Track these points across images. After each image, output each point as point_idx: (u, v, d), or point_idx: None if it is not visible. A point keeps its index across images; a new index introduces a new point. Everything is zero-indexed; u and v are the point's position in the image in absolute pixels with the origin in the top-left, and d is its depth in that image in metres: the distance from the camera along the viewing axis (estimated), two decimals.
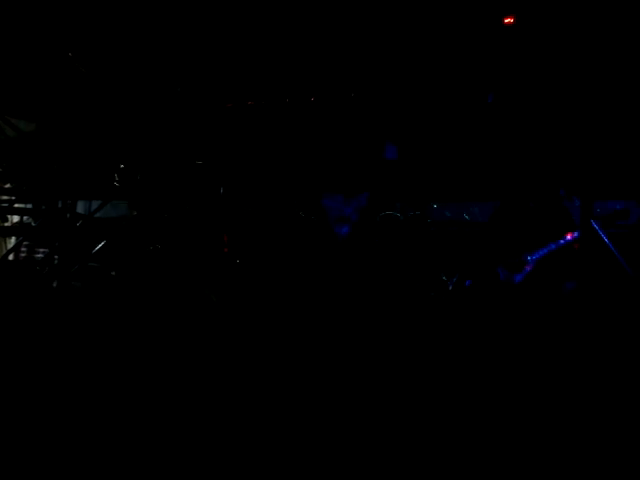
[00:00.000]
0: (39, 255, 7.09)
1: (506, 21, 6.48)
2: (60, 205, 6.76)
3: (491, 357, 4.95)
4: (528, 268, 6.12)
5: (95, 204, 7.10)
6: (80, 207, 7.17)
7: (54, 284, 6.56)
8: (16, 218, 7.62)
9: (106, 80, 6.94)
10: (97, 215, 6.99)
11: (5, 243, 7.58)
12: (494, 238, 6.45)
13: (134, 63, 6.97)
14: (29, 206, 7.08)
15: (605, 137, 6.95)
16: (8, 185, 7.20)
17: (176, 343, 5.15)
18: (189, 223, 7.08)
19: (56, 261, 6.68)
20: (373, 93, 7.33)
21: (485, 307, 6.16)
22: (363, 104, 7.39)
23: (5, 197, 7.15)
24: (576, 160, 6.77)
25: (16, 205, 7.07)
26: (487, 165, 7.34)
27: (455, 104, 7.34)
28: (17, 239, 7.29)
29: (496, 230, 6.47)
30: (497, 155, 7.27)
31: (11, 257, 7.04)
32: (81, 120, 6.96)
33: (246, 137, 7.55)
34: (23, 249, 7.09)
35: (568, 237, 6.07)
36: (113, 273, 6.89)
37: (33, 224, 7.22)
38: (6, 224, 7.44)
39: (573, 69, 6.67)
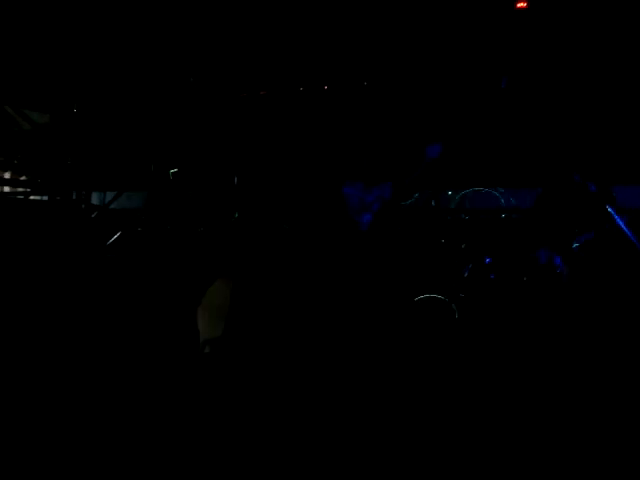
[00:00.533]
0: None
1: (519, 5, 6.42)
2: (75, 196, 6.79)
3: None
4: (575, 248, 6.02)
5: (110, 195, 7.11)
6: (95, 198, 7.18)
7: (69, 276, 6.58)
8: None
9: (119, 72, 6.95)
10: (112, 206, 7.01)
11: None
12: (538, 223, 6.37)
13: (147, 54, 6.96)
14: (44, 198, 7.10)
15: (621, 123, 6.89)
16: (23, 177, 7.24)
17: (182, 339, 5.16)
18: (204, 213, 7.08)
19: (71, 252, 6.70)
20: (388, 81, 7.29)
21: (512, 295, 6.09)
22: (377, 92, 7.36)
23: (21, 189, 7.19)
24: (592, 145, 6.72)
25: (31, 197, 7.10)
26: (509, 151, 7.30)
27: (471, 91, 7.30)
28: None
29: (541, 215, 6.38)
30: (523, 141, 7.22)
31: None
32: (95, 111, 6.98)
33: (260, 126, 7.54)
34: None
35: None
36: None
37: None
38: None
39: (590, 56, 6.61)
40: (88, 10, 6.73)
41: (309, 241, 6.79)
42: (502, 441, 3.30)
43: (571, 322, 5.49)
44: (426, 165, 7.11)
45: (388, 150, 7.51)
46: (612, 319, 5.25)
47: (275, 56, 7.23)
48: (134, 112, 7.06)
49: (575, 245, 5.99)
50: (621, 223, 5.70)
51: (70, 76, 6.85)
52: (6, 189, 7.23)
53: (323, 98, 7.38)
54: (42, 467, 2.97)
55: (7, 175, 7.24)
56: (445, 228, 7.07)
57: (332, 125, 7.58)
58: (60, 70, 6.86)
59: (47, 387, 4.08)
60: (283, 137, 7.57)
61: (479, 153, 7.46)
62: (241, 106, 7.39)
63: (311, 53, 7.21)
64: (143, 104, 7.03)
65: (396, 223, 6.87)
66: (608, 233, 5.79)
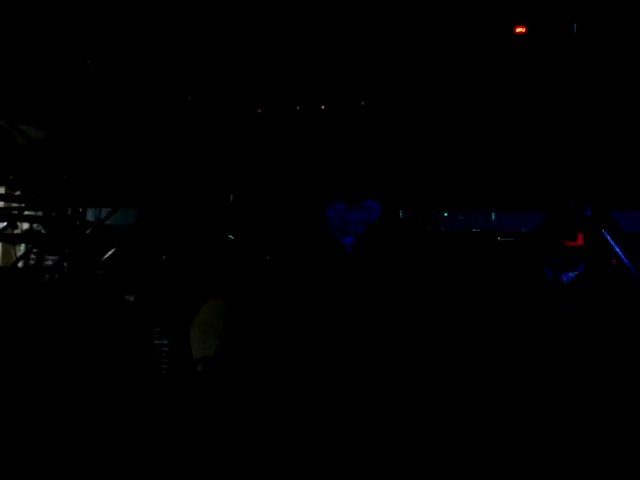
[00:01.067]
0: (49, 262, 7.07)
1: (517, 30, 6.46)
2: (70, 212, 6.75)
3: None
4: (580, 268, 6.02)
5: (105, 211, 7.08)
6: (90, 214, 7.15)
7: (63, 291, 6.55)
8: (26, 225, 7.62)
9: (116, 87, 6.94)
10: (107, 222, 6.98)
11: (15, 250, 7.58)
12: (541, 244, 6.37)
13: (144, 72, 6.96)
14: (39, 213, 7.07)
15: (617, 145, 6.92)
16: (18, 192, 7.20)
17: (174, 358, 5.14)
18: (198, 230, 7.07)
19: (65, 268, 6.67)
20: (384, 100, 7.31)
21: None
22: (373, 112, 7.38)
23: (15, 204, 7.15)
24: (587, 169, 6.74)
25: (26, 212, 7.06)
26: (503, 171, 7.33)
27: (463, 112, 7.32)
28: (26, 246, 7.28)
29: (544, 237, 6.38)
30: (512, 160, 7.25)
31: (20, 264, 7.03)
32: (91, 127, 6.96)
33: (255, 145, 7.54)
34: (32, 256, 7.07)
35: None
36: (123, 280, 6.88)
37: (43, 231, 7.21)
38: (16, 231, 7.43)
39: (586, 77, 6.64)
40: (86, 26, 6.73)
41: (295, 262, 6.78)
42: (498, 443, 3.30)
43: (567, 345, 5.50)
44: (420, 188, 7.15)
45: (380, 171, 7.54)
46: (610, 345, 5.27)
47: (273, 74, 7.25)
48: (131, 129, 7.04)
49: (573, 274, 5.99)
50: (617, 248, 5.72)
51: (66, 92, 6.84)
52: (0, 204, 7.19)
53: (320, 117, 7.40)
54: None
55: (1, 190, 7.21)
56: (439, 249, 7.08)
57: (327, 144, 7.60)
58: (56, 85, 6.85)
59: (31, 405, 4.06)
60: (279, 156, 7.58)
61: (472, 175, 7.48)
62: (238, 124, 7.40)
63: (309, 72, 7.24)
64: (140, 121, 7.02)
65: (384, 244, 6.87)
66: (604, 259, 5.80)
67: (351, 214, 6.72)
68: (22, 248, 7.49)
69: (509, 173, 7.35)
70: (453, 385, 4.85)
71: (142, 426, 3.79)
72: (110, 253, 6.86)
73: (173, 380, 4.92)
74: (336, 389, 4.69)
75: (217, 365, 5.45)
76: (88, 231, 6.78)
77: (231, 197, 7.22)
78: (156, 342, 5.72)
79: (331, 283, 6.44)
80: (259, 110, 7.29)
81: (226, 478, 3.19)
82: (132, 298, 6.40)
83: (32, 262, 7.11)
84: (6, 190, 7.25)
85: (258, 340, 5.84)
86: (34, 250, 7.00)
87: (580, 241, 6.04)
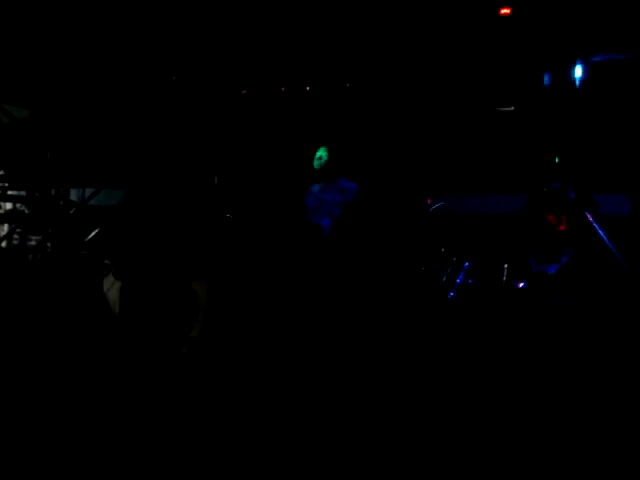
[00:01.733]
0: (32, 242, 7.05)
1: (502, 12, 6.45)
2: (53, 192, 6.72)
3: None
4: (564, 259, 6.04)
5: (89, 192, 7.05)
6: (73, 195, 7.12)
7: (47, 271, 6.53)
8: (9, 205, 7.57)
9: (101, 67, 6.89)
10: (91, 203, 6.95)
11: None
12: (526, 230, 6.37)
13: (129, 51, 6.92)
14: (22, 193, 7.04)
15: (601, 130, 6.94)
16: (1, 172, 7.16)
17: (171, 339, 5.13)
18: (183, 211, 7.05)
19: (49, 248, 6.65)
20: (371, 83, 7.29)
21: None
22: (359, 93, 7.36)
23: None
24: (572, 153, 6.76)
25: (9, 192, 7.03)
26: (488, 155, 7.35)
27: (448, 98, 7.32)
28: (10, 226, 7.25)
29: (528, 222, 6.39)
30: (496, 146, 7.27)
31: (3, 244, 7.00)
32: (75, 107, 6.92)
33: (239, 126, 7.52)
34: (16, 236, 7.04)
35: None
36: (106, 261, 6.86)
37: (26, 211, 7.18)
38: None
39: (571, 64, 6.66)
40: (70, 6, 6.68)
41: (274, 243, 6.77)
42: (495, 443, 3.31)
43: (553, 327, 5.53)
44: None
45: (358, 152, 7.55)
46: (595, 325, 5.30)
47: (258, 56, 7.22)
48: (115, 109, 7.01)
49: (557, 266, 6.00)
50: (600, 231, 5.74)
51: (51, 71, 6.79)
52: None
53: (305, 98, 7.38)
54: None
55: None
56: (425, 231, 7.10)
57: (310, 125, 7.59)
58: (41, 65, 6.80)
59: (22, 386, 4.05)
60: (263, 137, 7.56)
61: (459, 158, 7.50)
62: (223, 104, 7.38)
63: (295, 54, 7.21)
64: (124, 101, 6.99)
65: (362, 226, 6.86)
66: (588, 242, 5.83)
67: (326, 195, 6.70)
68: (5, 228, 7.45)
69: (494, 156, 7.37)
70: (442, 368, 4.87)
71: (124, 406, 3.79)
72: (94, 233, 6.84)
73: (157, 362, 4.91)
74: (320, 368, 4.71)
75: (201, 347, 5.46)
76: (72, 211, 6.75)
77: (215, 178, 7.21)
78: (141, 323, 5.72)
79: (310, 267, 6.44)
80: (243, 91, 7.27)
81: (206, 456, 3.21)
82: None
83: (15, 242, 7.09)
84: None
85: (241, 322, 5.84)
86: (17, 230, 6.98)
87: (564, 225, 6.06)
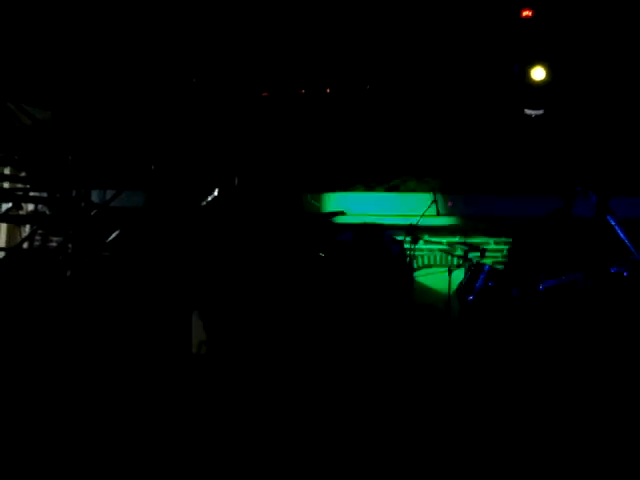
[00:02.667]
0: (53, 244, 7.10)
1: (524, 14, 6.41)
2: (74, 194, 6.75)
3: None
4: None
5: (110, 193, 7.08)
6: (94, 196, 7.15)
7: (68, 273, 6.57)
8: (31, 206, 7.63)
9: (122, 70, 6.92)
10: (112, 204, 6.97)
11: (20, 231, 7.60)
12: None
13: (150, 53, 6.94)
14: (44, 194, 7.08)
15: (621, 134, 6.89)
16: (23, 173, 7.21)
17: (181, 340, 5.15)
18: (203, 214, 7.06)
19: (70, 250, 6.68)
20: (390, 85, 7.27)
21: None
22: (378, 96, 7.34)
23: (20, 185, 7.16)
24: (592, 156, 6.73)
25: (31, 193, 7.08)
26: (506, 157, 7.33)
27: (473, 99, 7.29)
28: (31, 227, 7.30)
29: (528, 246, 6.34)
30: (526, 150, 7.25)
31: (25, 245, 7.05)
32: (97, 109, 6.95)
33: (262, 127, 7.52)
34: (37, 237, 7.10)
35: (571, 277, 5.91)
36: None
37: (47, 212, 7.22)
38: (21, 212, 7.46)
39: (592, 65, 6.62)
40: (92, 8, 6.71)
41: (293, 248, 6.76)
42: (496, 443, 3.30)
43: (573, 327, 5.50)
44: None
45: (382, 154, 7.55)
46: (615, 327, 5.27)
47: (278, 58, 7.22)
48: (136, 111, 7.03)
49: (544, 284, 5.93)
50: (621, 234, 5.69)
51: (73, 73, 6.83)
52: (5, 185, 7.20)
53: (325, 101, 7.37)
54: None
55: (7, 171, 7.22)
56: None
57: (331, 127, 7.60)
58: (62, 66, 6.84)
59: (40, 384, 4.08)
60: (283, 139, 7.56)
61: (479, 159, 7.47)
62: (243, 107, 7.38)
63: (314, 56, 7.20)
64: (145, 103, 7.00)
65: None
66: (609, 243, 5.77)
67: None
68: (27, 229, 7.50)
69: (520, 160, 7.34)
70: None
71: (144, 405, 3.81)
72: (115, 235, 6.86)
73: (173, 364, 4.94)
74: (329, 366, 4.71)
75: (215, 348, 5.48)
76: (93, 212, 6.78)
77: (236, 180, 7.20)
78: (158, 327, 5.75)
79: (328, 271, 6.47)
80: (264, 93, 7.26)
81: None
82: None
83: (37, 243, 7.14)
84: (11, 171, 7.26)
85: (252, 325, 5.85)
86: (39, 231, 7.03)
87: None
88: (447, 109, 7.42)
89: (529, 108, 6.63)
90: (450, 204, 7.24)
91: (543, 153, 7.16)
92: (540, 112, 6.64)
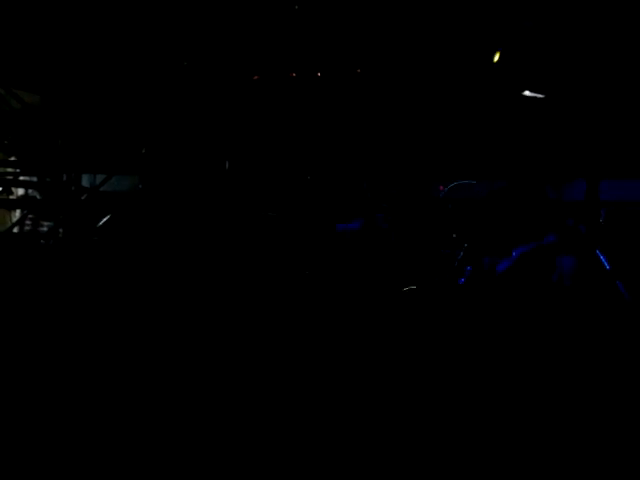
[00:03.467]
0: (44, 228, 7.09)
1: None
2: (65, 178, 6.74)
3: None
4: (511, 260, 6.04)
5: (100, 178, 7.08)
6: (85, 180, 7.15)
7: (59, 257, 6.56)
8: (21, 191, 7.61)
9: (112, 53, 6.89)
10: (102, 189, 6.97)
11: (10, 216, 7.58)
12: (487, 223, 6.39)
13: (140, 36, 6.90)
14: (34, 179, 7.07)
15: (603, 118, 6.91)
16: (13, 157, 7.19)
17: (176, 331, 5.14)
18: (195, 198, 7.06)
19: (61, 234, 6.68)
20: (380, 69, 7.26)
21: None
22: (369, 81, 7.33)
23: (10, 169, 7.14)
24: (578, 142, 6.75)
25: (21, 178, 7.06)
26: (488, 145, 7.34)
27: (461, 87, 7.28)
28: (22, 212, 7.28)
29: (490, 214, 6.40)
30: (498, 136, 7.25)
31: (16, 230, 7.03)
32: (86, 92, 6.93)
33: (252, 111, 7.51)
34: (28, 222, 7.09)
35: (550, 237, 5.98)
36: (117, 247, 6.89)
37: (38, 197, 7.21)
38: (11, 197, 7.44)
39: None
40: None
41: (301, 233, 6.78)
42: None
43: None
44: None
45: (378, 145, 7.54)
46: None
47: (269, 41, 7.19)
48: (127, 94, 7.01)
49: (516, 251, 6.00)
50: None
51: (62, 56, 6.79)
52: None
53: (316, 85, 7.35)
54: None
55: None
56: (437, 218, 7.10)
57: (323, 113, 7.58)
58: (52, 50, 6.80)
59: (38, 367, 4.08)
60: (274, 123, 7.55)
61: (469, 147, 7.48)
62: (234, 90, 7.36)
63: (305, 39, 7.18)
64: (136, 86, 6.98)
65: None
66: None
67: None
68: (17, 214, 7.49)
69: (503, 144, 7.35)
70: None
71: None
72: (105, 219, 6.87)
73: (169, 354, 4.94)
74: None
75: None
76: (83, 197, 6.78)
77: (227, 164, 7.20)
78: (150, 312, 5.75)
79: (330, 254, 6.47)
80: (255, 77, 7.24)
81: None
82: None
83: (27, 228, 7.13)
84: (1, 155, 7.23)
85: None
86: (29, 216, 7.02)
87: None
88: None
89: (530, 90, 6.63)
90: (441, 188, 7.26)
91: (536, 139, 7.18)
92: (540, 96, 6.65)
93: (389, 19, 6.90)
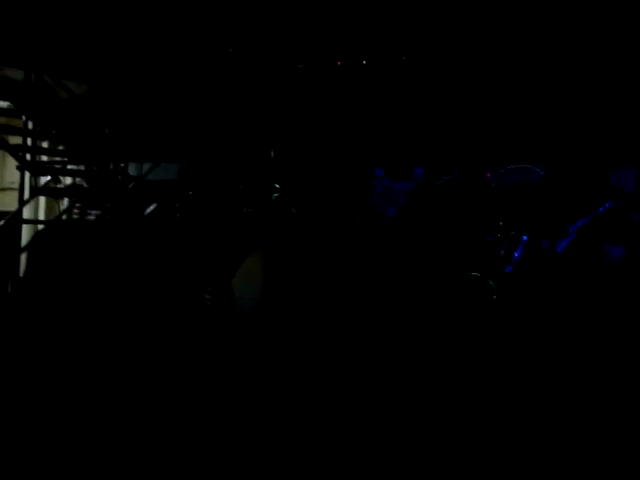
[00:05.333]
0: (91, 216, 7.14)
1: None
2: (112, 167, 6.79)
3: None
4: (572, 237, 5.95)
5: (147, 166, 7.11)
6: (132, 169, 7.19)
7: (107, 245, 6.60)
8: (69, 179, 7.68)
9: (159, 41, 6.91)
10: (148, 177, 7.00)
11: (58, 204, 7.66)
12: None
13: (186, 25, 6.92)
14: (81, 168, 7.12)
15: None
16: (61, 147, 7.25)
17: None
18: (241, 186, 7.06)
19: (108, 222, 6.72)
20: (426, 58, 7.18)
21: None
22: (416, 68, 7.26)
23: (58, 158, 7.21)
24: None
25: (69, 166, 7.12)
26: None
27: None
28: (70, 200, 7.35)
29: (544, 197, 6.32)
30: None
31: (64, 218, 7.10)
32: (133, 82, 6.96)
33: (297, 100, 7.49)
34: (75, 210, 7.14)
35: (607, 205, 5.88)
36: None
37: (85, 185, 7.26)
38: (59, 185, 7.51)
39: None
40: None
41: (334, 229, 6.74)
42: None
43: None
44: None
45: (420, 134, 7.48)
46: None
47: (314, 29, 7.16)
48: (173, 83, 7.03)
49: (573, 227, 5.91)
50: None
51: (109, 46, 6.84)
52: (44, 158, 7.25)
53: (361, 73, 7.31)
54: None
55: (45, 144, 7.27)
56: (483, 206, 7.02)
57: (367, 103, 7.54)
58: (99, 40, 6.85)
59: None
60: (319, 113, 7.52)
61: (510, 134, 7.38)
62: (280, 79, 7.35)
63: (350, 28, 7.13)
64: (182, 75, 7.00)
65: (427, 207, 6.80)
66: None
67: (396, 184, 6.67)
68: (65, 202, 7.56)
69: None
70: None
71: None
72: (152, 208, 6.90)
73: (217, 327, 4.96)
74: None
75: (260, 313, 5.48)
76: (130, 185, 6.82)
77: (272, 153, 7.20)
78: (201, 295, 5.78)
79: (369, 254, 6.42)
80: (300, 65, 7.22)
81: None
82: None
83: (75, 216, 7.18)
84: (49, 144, 7.30)
85: (296, 294, 5.85)
86: (77, 204, 7.06)
87: None
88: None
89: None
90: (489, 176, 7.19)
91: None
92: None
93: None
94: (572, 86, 6.93)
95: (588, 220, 5.94)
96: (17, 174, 6.25)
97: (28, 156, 6.33)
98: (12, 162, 6.53)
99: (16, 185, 6.34)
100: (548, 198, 6.29)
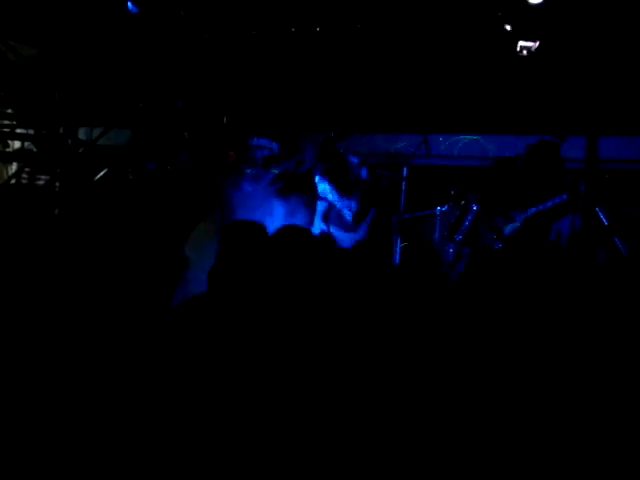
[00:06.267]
0: (40, 182, 7.06)
1: None
2: (61, 131, 6.71)
3: None
4: (517, 224, 6.00)
5: (97, 131, 7.03)
6: (82, 134, 7.10)
7: (56, 211, 6.55)
8: (17, 144, 7.56)
9: (110, 5, 6.81)
10: (99, 142, 6.93)
11: (6, 169, 7.55)
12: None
13: None
14: (30, 132, 7.03)
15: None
16: (9, 110, 7.15)
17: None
18: (190, 152, 7.03)
19: (57, 188, 6.65)
20: (381, 24, 7.15)
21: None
22: (370, 36, 7.23)
23: (6, 122, 7.11)
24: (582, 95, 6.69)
25: (17, 130, 7.03)
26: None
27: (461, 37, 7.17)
28: (18, 165, 7.25)
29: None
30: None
31: (12, 182, 7.01)
32: (83, 45, 6.87)
33: (250, 66, 7.44)
34: (24, 175, 7.05)
35: (557, 199, 5.93)
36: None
37: (35, 150, 7.17)
38: (7, 150, 7.40)
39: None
40: None
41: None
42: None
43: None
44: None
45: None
46: None
47: None
48: (124, 46, 6.95)
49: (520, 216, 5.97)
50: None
51: (59, 8, 6.72)
52: None
53: (315, 40, 7.27)
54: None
55: None
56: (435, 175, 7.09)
57: (321, 69, 7.51)
58: (49, 2, 6.73)
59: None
60: (271, 78, 7.48)
61: (466, 99, 7.38)
62: (232, 45, 7.29)
63: None
64: (133, 39, 6.91)
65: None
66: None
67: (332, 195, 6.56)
68: (14, 167, 7.45)
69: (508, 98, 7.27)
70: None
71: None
72: (102, 173, 6.83)
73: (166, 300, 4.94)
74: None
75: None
76: (80, 150, 6.75)
77: (224, 119, 7.15)
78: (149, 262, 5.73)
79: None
80: (253, 32, 7.16)
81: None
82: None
83: (24, 181, 7.09)
84: None
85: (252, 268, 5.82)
86: (26, 169, 6.98)
87: None
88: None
89: (524, 40, 6.53)
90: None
91: (532, 91, 7.09)
92: (536, 44, 6.55)
93: None
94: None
95: (536, 211, 5.97)
96: None
97: None
98: None
99: None
100: (502, 179, 6.31)
